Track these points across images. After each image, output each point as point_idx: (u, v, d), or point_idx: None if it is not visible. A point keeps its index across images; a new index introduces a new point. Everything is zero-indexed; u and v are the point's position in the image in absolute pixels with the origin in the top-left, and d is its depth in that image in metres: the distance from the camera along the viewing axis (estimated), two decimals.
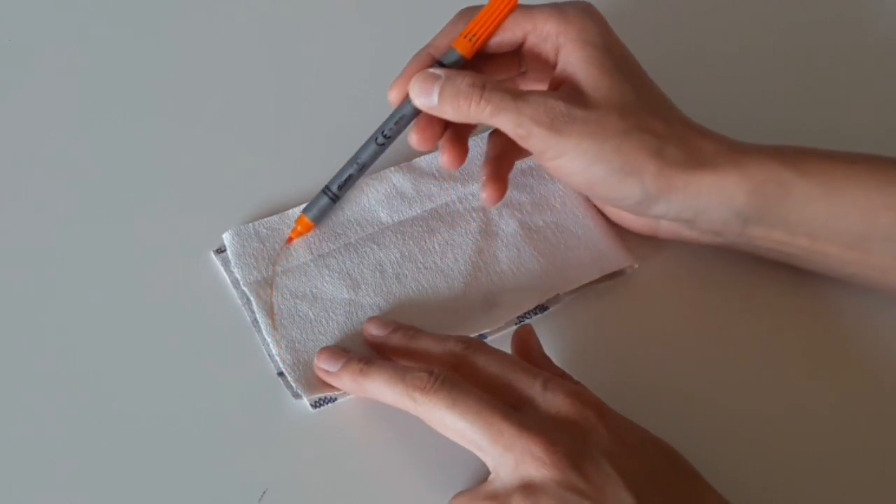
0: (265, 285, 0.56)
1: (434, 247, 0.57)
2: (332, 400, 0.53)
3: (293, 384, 0.53)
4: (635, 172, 0.51)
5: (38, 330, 0.55)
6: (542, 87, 0.56)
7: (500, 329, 0.55)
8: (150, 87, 0.65)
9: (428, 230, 0.58)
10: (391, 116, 0.55)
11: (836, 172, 0.52)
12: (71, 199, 0.60)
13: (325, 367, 0.52)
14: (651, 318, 0.56)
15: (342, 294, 0.56)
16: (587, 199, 0.59)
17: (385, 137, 0.55)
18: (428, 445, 0.51)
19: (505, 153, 0.57)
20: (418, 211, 0.58)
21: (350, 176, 0.56)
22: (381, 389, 0.49)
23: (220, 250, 0.57)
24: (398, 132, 0.55)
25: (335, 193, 0.57)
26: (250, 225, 0.57)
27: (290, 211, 0.58)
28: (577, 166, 0.52)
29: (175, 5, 0.69)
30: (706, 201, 0.52)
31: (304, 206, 0.58)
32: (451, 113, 0.53)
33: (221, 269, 0.57)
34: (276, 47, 0.67)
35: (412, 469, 0.51)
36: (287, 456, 0.52)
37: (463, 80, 0.52)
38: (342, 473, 0.51)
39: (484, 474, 0.47)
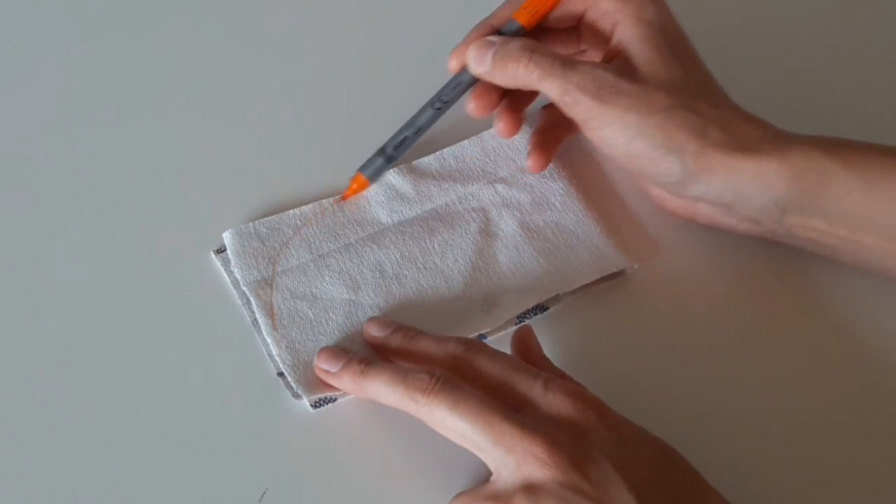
0: (265, 285, 0.56)
1: (434, 247, 0.57)
2: (332, 400, 0.53)
3: (293, 384, 0.53)
4: (676, 150, 0.52)
5: (37, 329, 0.55)
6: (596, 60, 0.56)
7: (499, 329, 0.55)
8: (151, 86, 0.65)
9: (428, 231, 0.58)
10: (449, 83, 0.56)
11: (879, 165, 0.52)
12: (71, 199, 0.60)
13: (325, 367, 0.52)
14: (650, 318, 0.56)
15: (342, 294, 0.56)
16: (588, 199, 0.59)
17: (442, 102, 0.56)
18: (427, 446, 0.51)
19: (554, 127, 0.58)
20: (418, 211, 0.58)
21: (406, 138, 0.57)
22: (382, 391, 0.49)
23: (221, 250, 0.57)
24: (455, 98, 0.57)
25: (391, 154, 0.57)
26: (250, 224, 0.57)
27: (291, 211, 0.58)
28: (620, 138, 0.53)
29: (173, 4, 0.69)
30: (746, 186, 0.52)
31: (304, 206, 0.58)
32: (500, 76, 0.54)
33: (221, 268, 0.57)
34: (278, 47, 0.67)
35: (412, 469, 0.51)
36: (287, 456, 0.52)
37: (514, 44, 0.53)
38: (342, 473, 0.51)
39: (485, 474, 0.48)
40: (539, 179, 0.60)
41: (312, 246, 0.57)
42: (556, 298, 0.56)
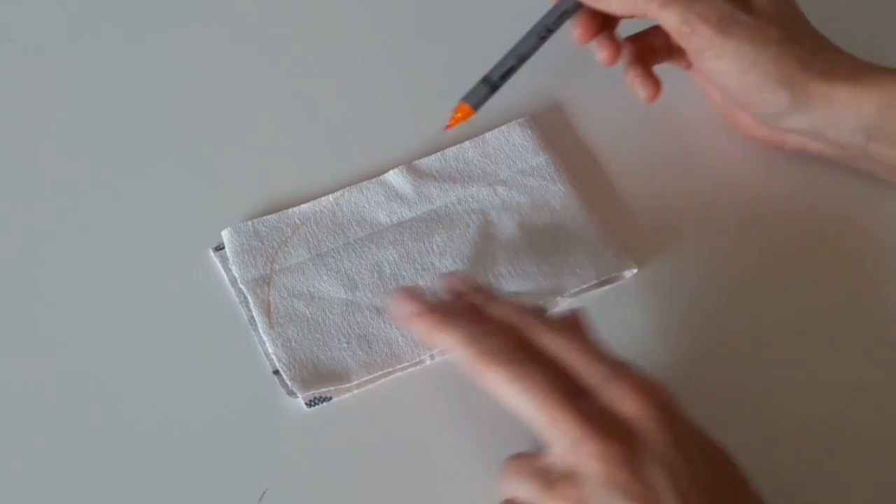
0: (263, 283, 0.56)
1: (432, 248, 0.57)
2: (327, 399, 0.53)
3: (288, 382, 0.53)
4: (787, 82, 0.54)
5: (35, 326, 0.55)
6: None
7: None
8: (151, 84, 0.65)
9: (426, 231, 0.58)
10: (553, 10, 0.57)
11: None
12: (71, 196, 0.60)
13: (406, 306, 0.51)
14: (649, 322, 0.56)
15: (339, 294, 0.56)
16: (588, 202, 0.59)
17: (547, 31, 0.57)
18: (423, 446, 0.51)
19: (642, 60, 0.59)
20: (417, 212, 0.58)
21: (511, 67, 0.57)
22: (452, 346, 0.48)
23: (219, 248, 0.57)
24: (559, 25, 0.57)
25: (495, 82, 0.57)
26: (249, 223, 0.57)
27: (290, 210, 0.58)
28: (734, 69, 0.54)
29: (172, 3, 0.69)
30: (840, 113, 0.54)
31: (303, 205, 0.58)
32: (616, 5, 0.55)
33: (220, 266, 0.57)
34: (278, 45, 0.67)
35: (407, 467, 0.51)
36: (285, 454, 0.52)
37: None
38: (341, 471, 0.51)
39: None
40: (539, 182, 0.60)
41: (311, 245, 0.57)
42: (554, 301, 0.56)
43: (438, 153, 0.60)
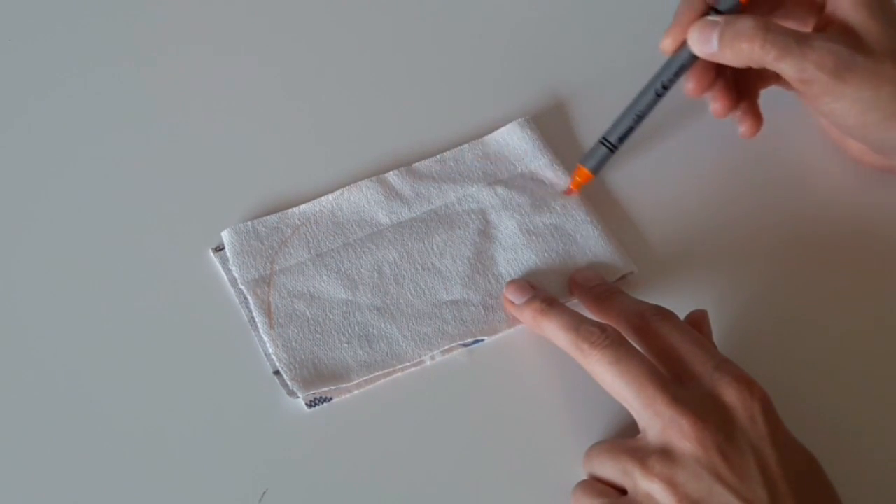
0: (263, 284, 0.56)
1: (432, 248, 0.57)
2: (328, 400, 0.53)
3: (289, 382, 0.53)
4: None
5: (35, 327, 0.55)
6: (801, 27, 0.56)
7: (495, 331, 0.55)
8: (151, 85, 0.65)
9: (426, 231, 0.58)
10: (668, 65, 0.56)
11: None
12: (69, 198, 0.60)
13: (511, 298, 0.54)
14: None
15: (340, 294, 0.56)
16: (588, 204, 0.59)
17: (664, 87, 0.56)
18: (424, 446, 0.51)
19: (751, 82, 0.59)
20: (417, 212, 0.58)
21: (630, 128, 0.57)
22: (555, 332, 0.51)
23: (219, 248, 0.57)
24: (675, 81, 0.57)
25: (613, 144, 0.57)
26: (249, 223, 0.57)
27: (290, 210, 0.58)
28: (852, 111, 0.54)
29: (173, 4, 0.69)
30: None
31: (303, 205, 0.58)
32: (730, 57, 0.54)
33: (220, 267, 0.57)
34: (277, 45, 0.67)
35: (407, 468, 0.51)
36: (286, 454, 0.52)
37: (745, 23, 0.53)
38: (341, 472, 0.51)
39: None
40: (539, 183, 0.60)
41: (311, 245, 0.57)
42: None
43: (438, 155, 0.60)
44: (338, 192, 0.59)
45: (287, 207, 0.58)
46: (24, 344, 0.55)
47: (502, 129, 0.61)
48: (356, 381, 0.53)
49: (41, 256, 0.57)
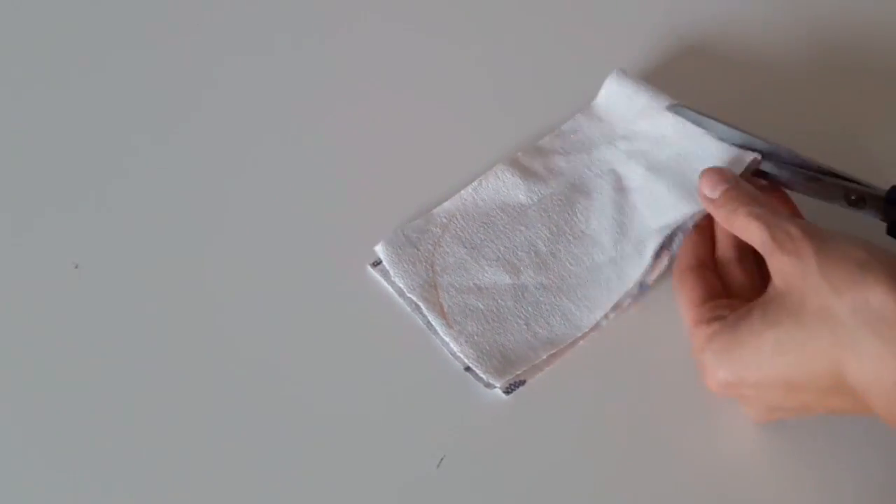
0: (430, 287, 0.56)
1: (577, 216, 0.59)
2: (522, 383, 0.54)
3: (483, 376, 0.54)
4: None
5: (231, 349, 0.56)
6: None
7: (655, 270, 0.56)
8: (296, 109, 0.65)
9: (567, 202, 0.59)
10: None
11: None
12: (232, 235, 0.60)
13: (706, 191, 0.54)
14: None
15: (504, 280, 0.57)
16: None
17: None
18: (615, 402, 0.53)
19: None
20: (553, 187, 0.60)
21: None
22: (748, 230, 0.51)
23: (376, 263, 0.57)
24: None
25: None
26: (399, 231, 0.58)
27: (434, 210, 0.59)
28: None
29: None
30: None
31: (445, 202, 0.59)
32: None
33: (382, 281, 0.57)
34: (416, 57, 0.68)
35: (589, 447, 0.53)
36: (494, 444, 0.53)
37: None
38: (550, 448, 0.53)
39: None
40: (650, 122, 0.60)
41: (464, 240, 0.58)
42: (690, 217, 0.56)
43: (556, 130, 0.62)
44: (475, 183, 0.60)
45: (429, 209, 0.59)
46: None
47: (602, 90, 0.62)
48: (545, 357, 0.55)
49: (216, 282, 0.58)
